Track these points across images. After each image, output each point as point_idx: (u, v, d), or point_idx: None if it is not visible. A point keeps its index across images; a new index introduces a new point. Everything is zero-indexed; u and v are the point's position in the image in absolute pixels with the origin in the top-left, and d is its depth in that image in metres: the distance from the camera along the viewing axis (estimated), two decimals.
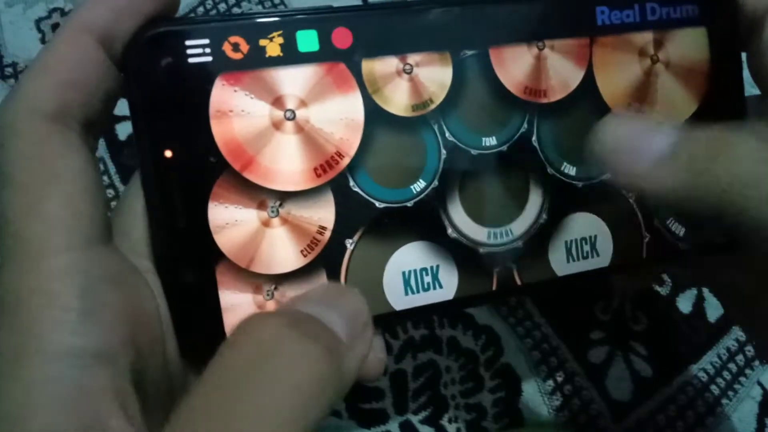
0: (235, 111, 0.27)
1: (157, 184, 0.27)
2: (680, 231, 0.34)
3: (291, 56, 0.28)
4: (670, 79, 0.33)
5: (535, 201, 0.31)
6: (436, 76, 0.30)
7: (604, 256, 0.33)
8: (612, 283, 0.46)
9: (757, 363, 0.47)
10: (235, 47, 0.27)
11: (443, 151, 0.30)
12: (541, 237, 0.32)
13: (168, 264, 0.27)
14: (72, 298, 0.23)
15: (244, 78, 0.27)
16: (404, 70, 0.29)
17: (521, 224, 0.32)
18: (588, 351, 0.46)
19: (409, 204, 0.30)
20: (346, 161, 0.29)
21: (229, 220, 0.28)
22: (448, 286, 0.31)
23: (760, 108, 0.34)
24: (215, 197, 0.27)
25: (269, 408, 0.22)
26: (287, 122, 0.28)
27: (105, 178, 0.48)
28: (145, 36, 0.26)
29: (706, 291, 0.48)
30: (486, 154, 0.31)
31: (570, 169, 0.32)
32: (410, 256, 0.30)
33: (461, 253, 0.31)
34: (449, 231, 0.31)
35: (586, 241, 0.32)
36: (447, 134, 0.30)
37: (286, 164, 0.28)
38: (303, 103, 0.28)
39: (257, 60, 0.27)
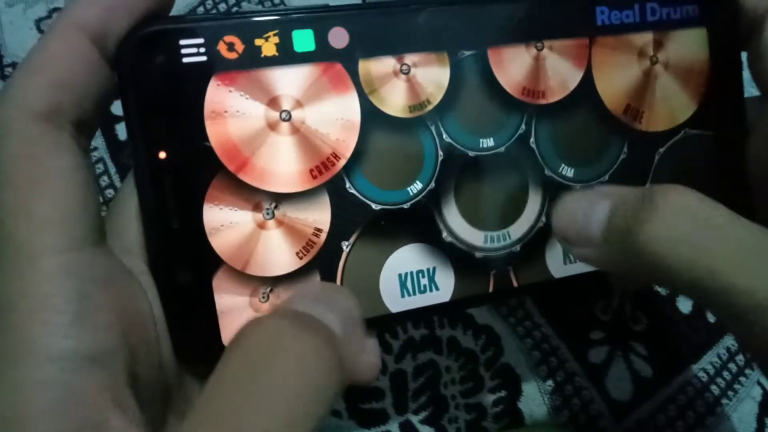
0: (230, 111, 0.27)
1: (151, 185, 0.27)
2: None
3: (287, 56, 0.28)
4: (670, 80, 0.32)
5: (533, 204, 0.31)
6: (433, 76, 0.29)
7: None
8: (612, 283, 0.46)
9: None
10: (230, 47, 0.27)
11: (440, 153, 0.30)
12: (538, 239, 0.32)
13: (163, 266, 0.27)
14: (64, 301, 0.23)
15: (239, 78, 0.27)
16: (401, 71, 0.29)
17: (519, 228, 0.31)
18: (588, 351, 0.46)
19: (406, 206, 0.30)
20: (342, 162, 0.29)
21: (225, 222, 0.27)
22: (445, 288, 0.31)
23: (760, 109, 0.33)
24: (210, 199, 0.27)
25: (280, 405, 0.22)
26: (283, 123, 0.28)
27: (105, 178, 0.48)
28: (138, 35, 0.26)
29: None
30: (483, 155, 0.30)
31: (568, 171, 0.32)
32: (407, 258, 0.30)
33: (458, 255, 0.31)
34: (444, 235, 0.30)
35: None
36: (444, 135, 0.30)
37: (281, 165, 0.28)
38: (299, 104, 0.28)
39: (252, 60, 0.27)
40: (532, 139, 0.31)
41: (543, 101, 0.31)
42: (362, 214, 0.29)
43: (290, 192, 0.28)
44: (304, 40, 0.28)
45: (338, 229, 0.29)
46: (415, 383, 0.44)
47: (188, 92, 0.27)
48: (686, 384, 0.46)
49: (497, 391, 0.45)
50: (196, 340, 0.27)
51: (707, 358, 0.46)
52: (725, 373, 0.46)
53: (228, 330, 0.27)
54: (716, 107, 0.33)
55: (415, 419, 0.44)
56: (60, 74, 0.24)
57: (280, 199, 0.28)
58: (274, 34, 0.27)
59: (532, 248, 0.32)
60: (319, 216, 0.29)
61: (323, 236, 0.29)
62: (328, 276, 0.29)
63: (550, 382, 0.45)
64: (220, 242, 0.27)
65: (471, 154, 0.30)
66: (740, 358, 0.47)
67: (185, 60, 0.26)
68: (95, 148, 0.48)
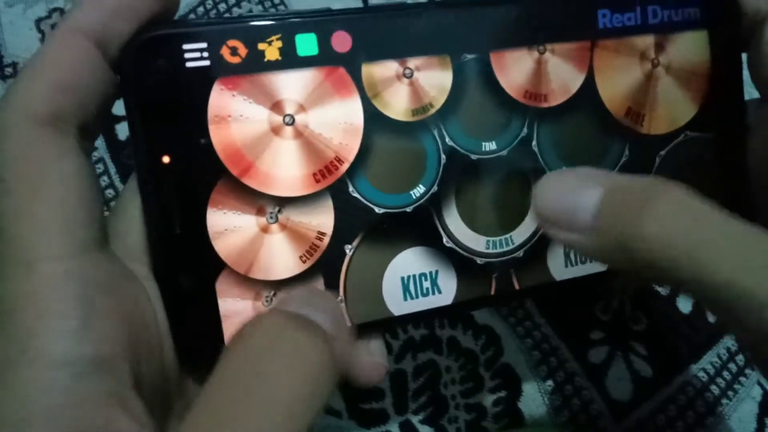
0: (234, 116, 0.27)
1: (154, 190, 0.27)
2: None
3: (290, 60, 0.28)
4: (671, 83, 0.33)
5: None
6: (436, 80, 0.29)
7: None
8: (612, 283, 0.46)
9: None
10: (234, 51, 0.27)
11: (443, 156, 0.30)
12: (541, 243, 0.32)
13: (166, 271, 0.27)
14: (69, 306, 0.23)
15: (242, 82, 0.27)
16: (404, 74, 0.29)
17: (522, 233, 0.31)
18: (588, 351, 0.46)
19: (409, 209, 0.30)
20: (345, 166, 0.29)
21: (228, 226, 0.27)
22: (447, 291, 0.31)
23: (761, 111, 0.33)
24: (214, 203, 0.27)
25: (281, 398, 0.22)
26: (286, 127, 0.28)
27: (105, 178, 0.48)
28: (141, 39, 0.26)
29: None
30: (486, 159, 0.30)
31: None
32: (409, 262, 0.30)
33: (460, 259, 0.31)
34: (445, 240, 0.30)
35: None
36: (447, 139, 0.30)
37: (285, 170, 0.28)
38: (302, 108, 0.28)
39: (256, 64, 0.27)
40: (534, 143, 0.31)
41: (545, 104, 0.31)
42: (365, 217, 0.29)
43: (293, 196, 0.28)
44: (307, 44, 0.28)
45: (341, 233, 0.29)
46: (415, 383, 0.44)
47: (191, 96, 0.27)
48: (686, 384, 0.46)
49: (497, 391, 0.45)
50: (199, 344, 0.27)
51: (707, 358, 0.47)
52: (725, 373, 0.46)
53: (231, 334, 0.27)
54: (717, 110, 0.33)
55: (415, 419, 0.44)
56: (63, 78, 0.24)
57: (283, 203, 0.28)
58: (277, 39, 0.27)
59: (534, 252, 0.32)
60: (322, 220, 0.29)
61: (326, 240, 0.29)
62: (331, 280, 0.29)
63: (550, 382, 0.45)
64: (224, 246, 0.27)
65: (473, 157, 0.30)
66: (740, 358, 0.47)
67: (188, 64, 0.26)
68: (95, 148, 0.48)
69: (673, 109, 0.33)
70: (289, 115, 0.28)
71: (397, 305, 0.30)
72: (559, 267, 0.32)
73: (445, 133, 0.30)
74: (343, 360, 0.26)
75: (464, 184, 0.30)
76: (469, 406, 0.44)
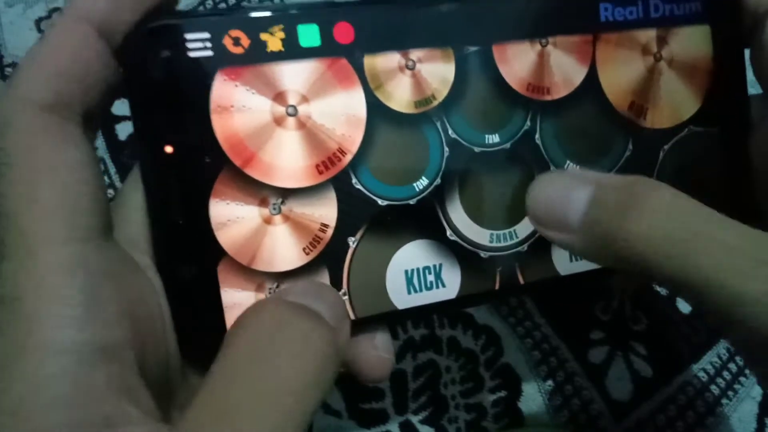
0: (236, 106, 0.27)
1: (157, 180, 0.27)
2: None
3: (292, 51, 0.27)
4: (673, 77, 0.32)
5: None
6: (438, 72, 0.29)
7: None
8: (612, 283, 0.46)
9: None
10: (236, 41, 0.27)
11: (446, 149, 0.30)
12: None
13: (169, 262, 0.27)
14: (75, 293, 0.22)
15: (244, 73, 0.27)
16: (407, 66, 0.29)
17: (526, 226, 0.31)
18: (588, 351, 0.46)
19: (412, 202, 0.30)
20: (348, 158, 0.28)
21: (231, 217, 0.27)
22: (451, 285, 0.30)
23: (763, 106, 0.33)
24: (216, 194, 0.27)
25: (287, 382, 0.22)
26: (289, 118, 0.28)
27: (105, 178, 0.48)
28: (144, 28, 0.26)
29: None
30: (489, 151, 0.30)
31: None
32: (413, 255, 0.30)
33: (464, 252, 0.31)
34: (449, 233, 0.30)
35: None
36: (450, 131, 0.30)
37: (287, 161, 0.28)
38: (305, 99, 0.28)
39: (258, 54, 0.27)
40: (537, 136, 0.31)
41: (548, 97, 0.31)
42: (368, 209, 0.29)
43: (296, 187, 0.28)
44: (309, 35, 0.28)
45: (344, 225, 0.29)
46: (415, 383, 0.44)
47: (194, 86, 0.27)
48: (686, 384, 0.46)
49: (497, 391, 0.45)
50: (201, 335, 0.27)
51: (707, 358, 0.46)
52: (725, 373, 0.46)
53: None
54: (720, 104, 0.33)
55: (415, 419, 0.44)
56: (65, 65, 0.24)
57: (286, 194, 0.28)
58: (280, 29, 0.27)
59: (538, 246, 0.32)
60: (325, 211, 0.28)
61: (330, 232, 0.29)
62: (335, 272, 0.29)
63: (550, 382, 0.45)
64: (227, 237, 0.27)
65: (477, 150, 0.30)
66: (740, 358, 0.47)
67: (191, 54, 0.26)
68: (95, 148, 0.48)
69: (676, 103, 0.33)
70: (291, 105, 0.28)
71: (401, 299, 0.30)
72: (563, 261, 0.32)
73: (448, 125, 0.30)
74: (343, 352, 0.26)
75: (467, 176, 0.30)
76: (469, 406, 0.44)
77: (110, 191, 0.47)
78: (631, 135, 0.32)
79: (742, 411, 0.46)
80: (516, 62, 0.30)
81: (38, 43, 0.25)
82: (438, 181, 0.30)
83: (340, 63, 0.28)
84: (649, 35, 0.32)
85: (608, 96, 0.32)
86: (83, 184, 0.24)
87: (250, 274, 0.28)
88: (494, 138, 0.30)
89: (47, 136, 0.24)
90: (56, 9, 0.52)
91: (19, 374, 0.21)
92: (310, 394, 0.22)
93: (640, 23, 0.32)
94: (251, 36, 0.27)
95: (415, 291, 0.30)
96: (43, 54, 0.24)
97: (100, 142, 0.48)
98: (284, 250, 0.28)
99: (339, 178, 0.28)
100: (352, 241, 0.29)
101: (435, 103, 0.29)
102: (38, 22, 0.52)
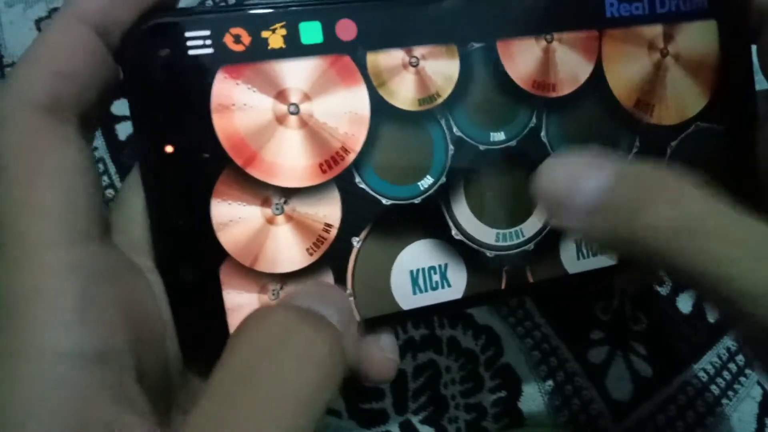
0: (237, 105, 0.27)
1: (157, 180, 0.26)
2: None
3: (294, 48, 0.27)
4: (680, 73, 0.32)
5: None
6: (442, 69, 0.29)
7: None
8: (612, 283, 0.46)
9: None
10: (237, 39, 0.26)
11: (451, 147, 0.29)
12: (552, 236, 0.31)
13: (170, 263, 0.27)
14: (71, 297, 0.22)
15: (246, 71, 0.27)
16: (410, 63, 0.29)
17: (533, 225, 0.31)
18: (588, 351, 0.46)
19: (417, 201, 0.29)
20: (351, 157, 0.28)
21: (233, 218, 0.27)
22: (457, 284, 0.30)
23: None
24: (218, 194, 0.27)
25: (291, 390, 0.22)
26: (291, 116, 0.27)
27: (105, 178, 0.47)
28: (143, 26, 0.25)
29: None
30: (494, 149, 0.30)
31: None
32: (418, 255, 0.29)
33: (469, 252, 0.30)
34: (454, 232, 0.30)
35: None
36: (454, 129, 0.29)
37: (290, 160, 0.27)
38: (307, 97, 0.27)
39: (259, 52, 0.27)
40: (543, 133, 0.31)
41: (553, 94, 0.31)
42: (373, 209, 0.29)
43: (299, 187, 0.28)
44: (311, 32, 0.27)
45: (348, 225, 0.28)
46: (415, 383, 0.44)
47: (194, 85, 0.26)
48: (686, 384, 0.46)
49: (497, 391, 0.44)
50: (203, 337, 0.27)
51: (707, 358, 0.46)
52: (725, 373, 0.46)
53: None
54: (727, 100, 0.33)
55: (415, 419, 0.44)
56: (62, 65, 0.24)
57: (289, 194, 0.27)
58: (281, 26, 0.27)
59: (546, 245, 0.31)
60: (329, 211, 0.28)
61: (333, 232, 0.28)
62: (339, 273, 0.28)
63: (550, 382, 0.45)
64: (228, 238, 0.27)
65: (482, 148, 0.30)
66: (740, 358, 0.47)
67: (191, 52, 0.26)
68: (95, 148, 0.47)
69: (683, 99, 0.33)
70: (293, 104, 0.27)
71: (406, 299, 0.29)
72: (571, 259, 0.32)
73: (452, 123, 0.29)
74: (351, 356, 0.26)
75: (473, 175, 0.30)
76: (469, 406, 0.44)
77: (110, 191, 0.47)
78: (638, 132, 0.32)
79: (742, 411, 0.46)
80: (521, 59, 0.30)
81: (34, 43, 0.24)
82: (443, 179, 0.29)
83: (343, 60, 0.28)
84: (655, 31, 0.32)
85: (614, 92, 0.31)
86: (79, 185, 0.24)
87: (252, 275, 0.27)
88: (499, 135, 0.30)
89: (43, 138, 0.23)
90: (56, 9, 0.51)
91: (15, 379, 0.21)
92: (314, 400, 0.22)
93: (647, 19, 0.32)
94: (252, 33, 0.27)
95: (421, 291, 0.30)
96: (39, 54, 0.24)
97: (100, 142, 0.48)
98: (287, 250, 0.28)
99: (342, 177, 0.28)
100: (356, 241, 0.29)
101: (439, 100, 0.29)
102: (38, 22, 0.51)
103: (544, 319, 0.46)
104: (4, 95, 0.24)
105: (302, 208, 0.28)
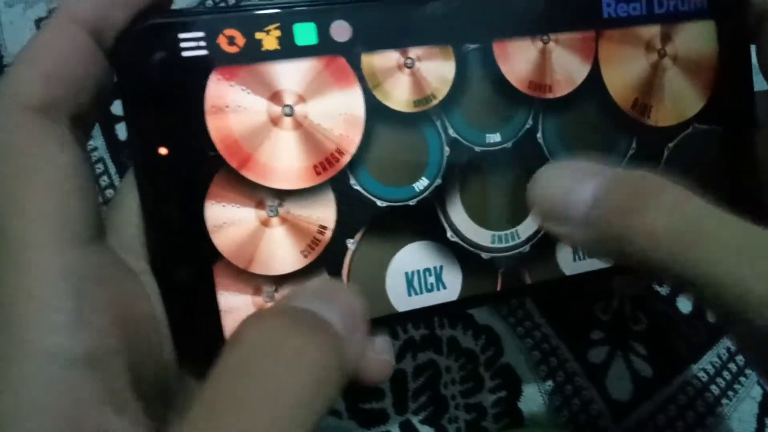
0: (232, 106, 0.26)
1: (151, 182, 0.26)
2: None
3: (288, 50, 0.27)
4: (678, 74, 0.32)
5: None
6: (438, 70, 0.29)
7: None
8: (612, 282, 0.46)
9: None
10: (231, 40, 0.26)
11: (446, 148, 0.29)
12: (548, 237, 0.31)
13: (164, 265, 0.27)
14: (62, 299, 0.22)
15: (240, 72, 0.26)
16: (405, 65, 0.28)
17: (529, 227, 0.31)
18: (588, 351, 0.46)
19: (412, 202, 0.29)
20: (346, 158, 0.28)
21: (227, 220, 0.27)
22: (452, 286, 0.30)
23: None
24: (212, 196, 0.27)
25: (280, 402, 0.21)
26: (285, 118, 0.27)
27: (105, 178, 0.48)
28: (137, 28, 0.25)
29: None
30: (490, 151, 0.30)
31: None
32: (413, 256, 0.29)
33: (465, 254, 0.30)
34: (449, 234, 0.30)
35: None
36: (450, 130, 0.29)
37: (284, 161, 0.27)
38: (301, 99, 0.27)
39: (254, 54, 0.27)
40: (539, 134, 0.30)
41: (550, 95, 0.30)
42: (368, 211, 0.28)
43: (294, 189, 0.27)
44: (305, 33, 0.27)
45: (343, 227, 0.28)
46: (415, 383, 0.44)
47: (188, 87, 0.26)
48: (686, 384, 0.46)
49: (497, 391, 0.45)
50: (198, 339, 0.27)
51: (707, 358, 0.46)
52: (725, 373, 0.46)
53: (231, 330, 0.27)
54: (726, 101, 0.33)
55: (415, 419, 0.44)
56: (55, 66, 0.24)
57: (283, 196, 0.27)
58: (276, 28, 0.27)
59: (542, 247, 0.31)
60: (323, 213, 0.28)
61: (328, 234, 0.28)
62: (334, 275, 0.28)
63: (550, 382, 0.45)
64: (223, 240, 0.27)
65: (477, 149, 0.30)
66: (740, 358, 0.47)
67: (185, 54, 0.26)
68: (95, 148, 0.48)
69: (681, 100, 0.32)
70: (288, 105, 0.27)
71: (402, 301, 0.29)
72: (567, 261, 0.31)
73: (448, 124, 0.29)
74: (355, 360, 0.25)
75: (468, 176, 0.30)
76: (469, 406, 0.44)
77: (110, 191, 0.47)
78: (635, 133, 0.32)
79: (742, 411, 0.46)
80: (517, 60, 0.30)
81: (28, 45, 0.24)
82: (438, 181, 0.29)
83: (338, 62, 0.28)
84: (652, 31, 0.32)
85: (611, 93, 0.31)
86: (73, 187, 0.23)
87: (247, 277, 0.27)
88: (495, 137, 0.30)
89: (35, 139, 0.23)
90: (56, 9, 0.52)
91: (7, 382, 0.21)
92: (305, 408, 0.22)
93: (644, 19, 0.31)
94: (246, 35, 0.26)
95: (416, 293, 0.29)
96: (32, 56, 0.24)
97: (100, 142, 0.48)
98: (282, 252, 0.28)
99: (337, 179, 0.28)
100: (351, 243, 0.28)
101: (435, 102, 0.29)
102: (38, 22, 0.52)
103: (544, 319, 0.46)
104: None
105: (297, 210, 0.28)
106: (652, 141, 0.32)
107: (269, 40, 0.27)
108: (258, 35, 0.27)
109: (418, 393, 0.44)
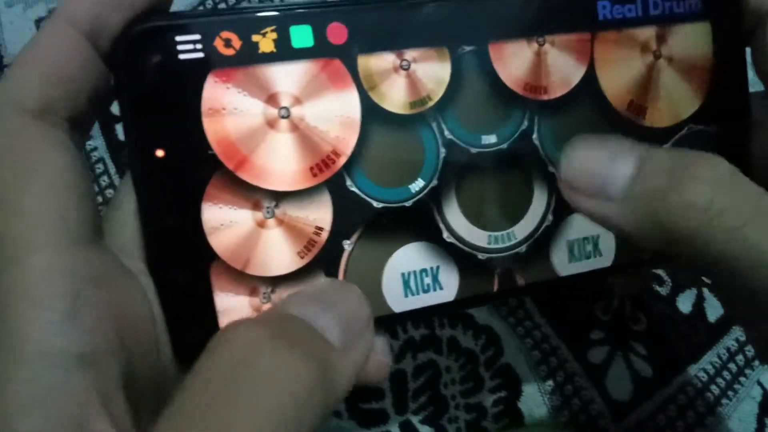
0: (228, 109, 0.27)
1: (148, 184, 0.26)
2: None
3: (285, 52, 0.27)
4: (673, 76, 0.32)
5: (539, 202, 0.31)
6: (434, 72, 0.29)
7: (606, 256, 0.32)
8: (612, 283, 0.46)
9: (757, 363, 0.47)
10: (227, 43, 0.26)
11: (442, 150, 0.29)
12: (544, 238, 0.31)
13: (161, 266, 0.27)
14: (56, 299, 0.22)
15: (236, 74, 0.27)
16: (401, 66, 0.29)
17: (524, 227, 0.31)
18: (588, 351, 0.46)
19: (408, 204, 0.29)
20: (342, 160, 0.28)
21: (224, 221, 0.27)
22: (449, 287, 0.30)
23: (764, 104, 0.33)
24: (209, 197, 0.27)
25: (247, 420, 0.21)
26: (282, 120, 0.27)
27: (105, 178, 0.48)
28: (133, 31, 0.25)
29: (706, 291, 0.48)
30: (486, 152, 0.30)
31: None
32: (409, 257, 0.29)
33: (461, 254, 0.30)
34: (445, 235, 0.30)
35: (588, 241, 0.32)
36: (446, 132, 0.29)
37: (281, 163, 0.27)
38: (298, 101, 0.27)
39: (250, 56, 0.27)
40: (534, 136, 0.30)
41: (545, 97, 0.30)
42: (363, 212, 0.29)
43: (290, 190, 0.28)
44: (302, 35, 0.27)
45: (339, 228, 0.28)
46: (415, 383, 0.44)
47: (185, 89, 0.26)
48: (686, 384, 0.46)
49: (497, 391, 0.45)
50: (195, 340, 0.27)
51: (707, 358, 0.46)
52: (725, 373, 0.46)
53: None
54: (721, 103, 0.33)
55: (415, 419, 0.44)
56: (51, 69, 0.24)
57: (280, 197, 0.27)
58: (272, 30, 0.27)
59: (537, 247, 0.31)
60: (319, 215, 0.28)
61: (324, 235, 0.28)
62: (330, 276, 0.29)
63: (550, 382, 0.45)
64: (219, 241, 0.27)
65: (473, 151, 0.30)
66: (740, 358, 0.46)
67: (181, 56, 0.26)
68: (95, 148, 0.48)
69: (676, 102, 0.32)
70: (284, 107, 0.27)
71: (398, 302, 0.29)
72: (562, 262, 0.32)
73: (444, 126, 0.29)
74: (354, 370, 0.25)
75: (464, 178, 0.30)
76: (469, 406, 0.44)
77: (110, 191, 0.47)
78: (631, 134, 0.31)
79: (742, 411, 0.46)
80: (513, 61, 0.30)
81: (25, 47, 0.24)
82: (434, 182, 0.29)
83: (334, 64, 0.28)
84: (648, 33, 0.32)
85: (607, 95, 0.31)
86: (69, 189, 0.24)
87: (243, 278, 0.27)
88: (491, 138, 0.30)
89: (32, 141, 0.23)
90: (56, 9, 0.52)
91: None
92: (281, 427, 0.21)
93: (639, 21, 0.31)
94: (243, 37, 0.26)
95: (412, 294, 0.30)
96: (29, 58, 0.24)
97: (100, 142, 0.48)
98: (278, 254, 0.28)
99: (333, 180, 0.28)
100: (347, 245, 0.29)
101: (430, 103, 0.29)
102: (38, 22, 0.52)
103: (544, 319, 0.46)
104: None
105: (293, 211, 0.28)
106: (647, 142, 0.32)
107: (266, 42, 0.27)
108: (254, 38, 0.27)
109: (418, 393, 0.44)
